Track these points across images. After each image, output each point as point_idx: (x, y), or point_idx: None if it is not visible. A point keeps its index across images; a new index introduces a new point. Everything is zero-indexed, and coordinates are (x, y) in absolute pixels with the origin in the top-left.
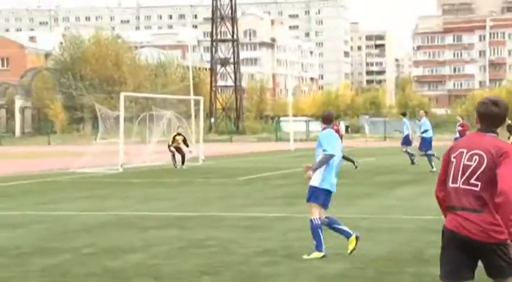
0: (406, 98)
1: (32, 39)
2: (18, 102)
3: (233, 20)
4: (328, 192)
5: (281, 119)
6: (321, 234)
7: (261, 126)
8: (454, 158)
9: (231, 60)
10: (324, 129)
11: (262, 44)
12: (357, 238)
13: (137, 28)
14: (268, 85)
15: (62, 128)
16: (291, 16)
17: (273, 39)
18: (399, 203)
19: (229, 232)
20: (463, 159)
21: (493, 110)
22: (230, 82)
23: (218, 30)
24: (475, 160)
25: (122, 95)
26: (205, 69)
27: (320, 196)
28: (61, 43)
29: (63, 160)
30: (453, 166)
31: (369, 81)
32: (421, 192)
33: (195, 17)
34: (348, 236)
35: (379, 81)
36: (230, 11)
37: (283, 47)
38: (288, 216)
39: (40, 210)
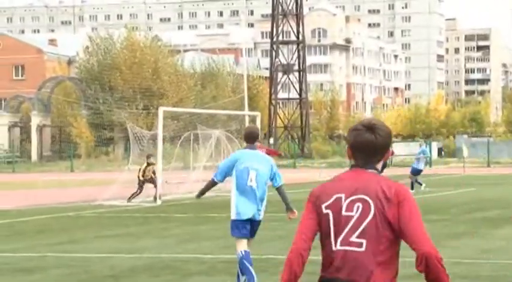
0: None
1: (52, 42)
2: (35, 120)
3: (298, 17)
4: (239, 221)
5: None
6: (248, 266)
7: (332, 149)
8: (326, 208)
9: (296, 66)
10: (244, 148)
11: (334, 47)
12: None
13: (180, 28)
14: (341, 97)
15: (88, 151)
16: (370, 12)
17: (348, 41)
18: (506, 244)
19: None
20: (342, 209)
21: (367, 138)
22: (294, 94)
23: (280, 29)
24: (358, 209)
25: (161, 110)
26: (264, 78)
27: (235, 228)
28: (87, 47)
29: (88, 190)
30: (330, 219)
31: (468, 92)
32: None
33: (251, 13)
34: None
35: (482, 92)
36: (295, 6)
37: (361, 50)
38: None
39: (60, 252)
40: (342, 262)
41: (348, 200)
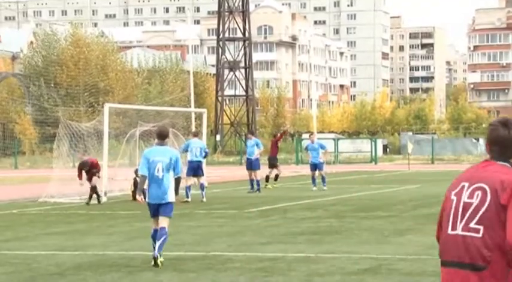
0: (460, 111)
1: None
2: None
3: (244, 14)
4: (150, 205)
5: (303, 136)
6: (153, 242)
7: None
8: (454, 195)
9: (242, 63)
10: (155, 144)
11: (281, 44)
12: (154, 259)
13: (125, 24)
14: (287, 94)
15: (32, 147)
16: (316, 9)
17: (294, 38)
18: None
19: (239, 276)
20: (463, 196)
21: (501, 133)
22: (240, 91)
23: (226, 26)
24: (477, 196)
25: (107, 106)
26: (210, 74)
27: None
28: (31, 43)
29: (32, 187)
30: (453, 206)
31: (413, 90)
32: None
33: (197, 10)
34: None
35: (426, 90)
36: (241, 3)
37: (307, 48)
38: (312, 257)
39: (4, 250)
40: (463, 247)
41: (470, 188)
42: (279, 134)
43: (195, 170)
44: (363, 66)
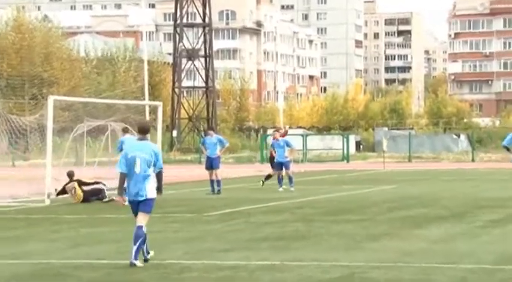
0: (440, 104)
1: None
2: None
3: None
4: (130, 202)
5: (269, 132)
6: (134, 240)
7: (241, 142)
8: None
9: (202, 52)
10: (137, 139)
11: (244, 31)
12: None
13: (72, 8)
14: (251, 86)
15: None
16: None
17: (259, 24)
18: (428, 246)
19: None
20: None
21: None
22: (200, 82)
23: (184, 11)
24: None
25: (51, 99)
26: (167, 64)
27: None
28: None
29: None
30: None
31: (389, 81)
32: (459, 232)
33: None
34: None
35: (403, 81)
36: None
37: (273, 35)
38: (277, 265)
39: None
40: None
41: None
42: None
43: None
44: (334, 55)
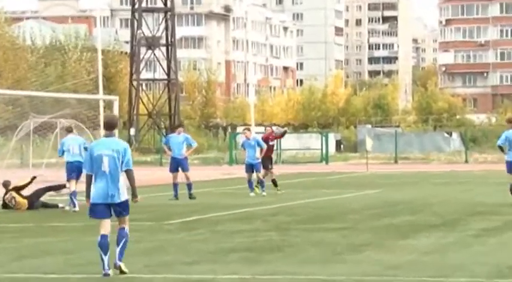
0: (429, 99)
1: None
2: None
3: None
4: (97, 205)
5: (238, 130)
6: (100, 253)
7: (208, 142)
8: None
9: (163, 40)
10: (103, 136)
11: (211, 16)
12: (120, 270)
13: None
14: (219, 78)
15: None
16: None
17: (227, 9)
18: (416, 258)
19: None
20: None
21: None
22: (161, 74)
23: None
24: None
25: None
26: (124, 53)
27: (92, 211)
28: None
29: None
30: None
31: (372, 73)
32: (451, 241)
33: None
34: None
35: (389, 73)
36: None
37: (243, 21)
38: (248, 279)
39: None
40: None
41: None
42: (274, 134)
43: (77, 171)
44: (312, 44)
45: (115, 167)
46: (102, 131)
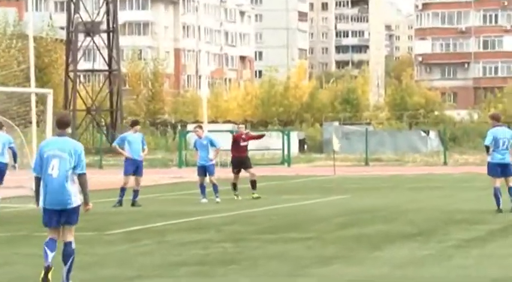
0: (404, 93)
1: None
2: None
3: None
4: (46, 211)
5: (189, 128)
6: (45, 254)
7: (154, 141)
8: None
9: (103, 26)
10: (54, 135)
11: None
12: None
13: None
14: (167, 69)
15: None
16: None
17: None
18: (389, 271)
19: None
20: None
21: None
22: (101, 64)
23: None
24: None
25: None
26: (59, 41)
27: (44, 217)
28: None
29: None
30: None
31: (340, 64)
32: (428, 253)
33: None
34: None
35: (358, 64)
36: None
37: (194, 5)
38: None
39: None
40: None
41: None
42: (255, 136)
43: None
44: (272, 30)
45: (66, 170)
46: (34, 129)
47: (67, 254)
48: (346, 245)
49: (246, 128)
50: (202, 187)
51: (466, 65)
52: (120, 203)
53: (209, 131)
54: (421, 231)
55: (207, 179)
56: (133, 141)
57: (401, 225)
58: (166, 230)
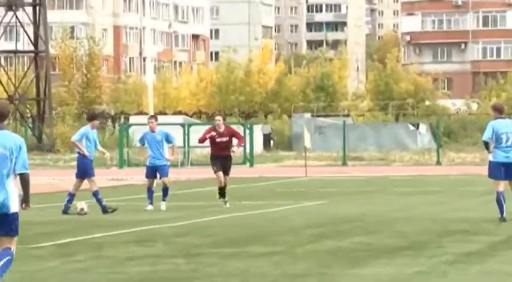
0: (389, 79)
1: None
2: None
3: None
4: None
5: (131, 120)
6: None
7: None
8: None
9: None
10: None
11: None
12: None
13: None
14: (105, 50)
15: None
16: None
17: None
18: None
19: None
20: None
21: None
22: (26, 44)
23: None
24: None
25: None
26: None
27: None
28: None
29: None
30: None
31: (313, 44)
32: (419, 270)
33: None
34: None
35: (334, 44)
36: None
37: None
38: None
39: None
40: None
41: None
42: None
43: None
44: (231, 4)
45: (4, 168)
46: None
47: (4, 253)
48: (320, 260)
49: (223, 118)
50: (150, 191)
51: (462, 46)
52: (66, 209)
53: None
54: (410, 244)
55: (156, 181)
56: (93, 139)
57: (386, 238)
58: (104, 242)
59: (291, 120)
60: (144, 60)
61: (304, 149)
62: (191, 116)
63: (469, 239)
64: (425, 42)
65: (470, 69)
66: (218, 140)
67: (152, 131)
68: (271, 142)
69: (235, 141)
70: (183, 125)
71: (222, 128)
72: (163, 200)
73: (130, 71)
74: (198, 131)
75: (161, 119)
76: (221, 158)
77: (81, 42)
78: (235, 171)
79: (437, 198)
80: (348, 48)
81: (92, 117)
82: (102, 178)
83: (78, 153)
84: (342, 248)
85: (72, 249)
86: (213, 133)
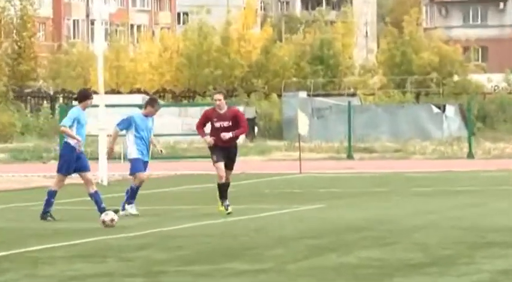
0: (407, 48)
1: None
2: None
3: None
4: None
5: (74, 103)
6: None
7: (23, 122)
8: None
9: None
10: None
11: None
12: None
13: None
14: (42, 12)
15: None
16: None
17: None
18: None
19: None
20: None
21: None
22: None
23: None
24: None
25: None
26: None
27: None
28: None
29: None
30: None
31: (309, 3)
32: None
33: None
34: None
35: (337, 4)
36: None
37: None
38: None
39: None
40: None
41: None
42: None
43: None
44: None
45: None
46: None
47: None
48: (319, 279)
49: (224, 97)
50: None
51: (501, 5)
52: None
53: (108, 106)
54: (434, 259)
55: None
56: (84, 122)
57: (402, 251)
58: (42, 257)
59: (282, 100)
60: (92, 23)
61: (298, 138)
62: (154, 96)
63: (508, 252)
64: (454, 1)
65: (510, 35)
66: (218, 124)
67: (150, 115)
68: (256, 129)
69: (228, 135)
70: (141, 107)
71: (223, 109)
72: (125, 205)
73: (74, 37)
74: (161, 116)
75: (114, 99)
76: (223, 147)
77: (10, 1)
78: (209, 167)
79: (469, 200)
80: (355, 8)
81: (84, 97)
82: (38, 176)
83: (66, 142)
84: (346, 264)
85: (2, 266)
86: (222, 111)
